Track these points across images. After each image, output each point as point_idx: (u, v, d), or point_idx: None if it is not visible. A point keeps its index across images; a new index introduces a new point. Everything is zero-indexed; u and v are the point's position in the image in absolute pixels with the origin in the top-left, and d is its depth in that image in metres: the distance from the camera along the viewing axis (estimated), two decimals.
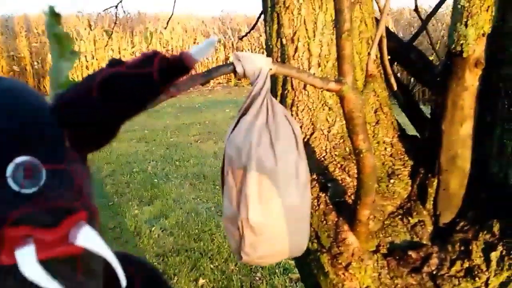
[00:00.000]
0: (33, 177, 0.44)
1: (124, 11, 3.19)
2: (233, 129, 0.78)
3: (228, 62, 0.85)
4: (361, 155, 0.90)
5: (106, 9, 3.11)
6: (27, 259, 0.41)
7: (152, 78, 0.57)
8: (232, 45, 10.36)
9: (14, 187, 0.43)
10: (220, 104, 8.05)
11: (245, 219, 0.74)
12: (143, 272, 0.73)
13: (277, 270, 2.97)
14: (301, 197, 0.76)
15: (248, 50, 10.23)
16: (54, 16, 0.70)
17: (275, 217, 0.75)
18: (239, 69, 0.75)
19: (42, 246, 0.43)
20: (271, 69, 0.76)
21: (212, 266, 3.07)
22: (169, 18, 3.11)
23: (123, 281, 0.47)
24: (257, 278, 2.93)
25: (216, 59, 10.22)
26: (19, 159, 0.44)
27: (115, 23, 2.80)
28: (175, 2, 2.85)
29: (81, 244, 0.45)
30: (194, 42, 10.38)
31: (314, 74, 0.87)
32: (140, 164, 5.12)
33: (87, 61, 9.67)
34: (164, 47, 10.13)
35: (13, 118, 0.47)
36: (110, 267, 0.48)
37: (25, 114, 0.48)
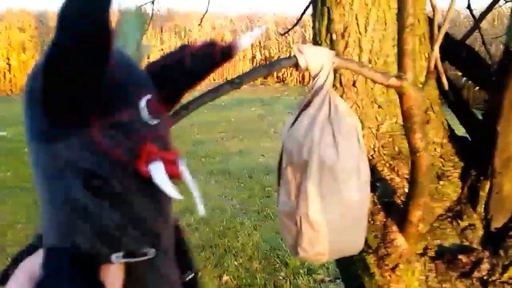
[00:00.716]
0: (157, 111, 0.54)
1: (158, 8, 3.23)
2: (293, 123, 0.77)
3: (282, 57, 0.84)
4: (418, 154, 0.88)
5: (142, 5, 3.13)
6: (159, 171, 0.51)
7: (215, 57, 0.65)
8: (260, 43, 10.35)
9: (145, 117, 0.52)
10: (246, 102, 8.06)
11: (304, 214, 0.73)
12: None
13: (301, 271, 2.96)
14: (361, 194, 0.75)
15: (276, 49, 10.21)
16: (141, 18, 0.77)
17: (335, 214, 0.74)
18: (301, 62, 0.73)
19: (165, 164, 0.52)
20: (333, 62, 0.74)
21: (236, 263, 3.08)
22: (203, 15, 3.12)
23: (201, 206, 0.55)
24: (280, 278, 2.92)
25: (243, 57, 10.23)
26: (148, 96, 0.54)
27: (151, 19, 2.82)
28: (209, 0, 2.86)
29: (182, 171, 0.54)
30: (221, 40, 10.42)
31: (375, 69, 0.85)
32: None
33: None
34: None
35: (138, 68, 0.58)
36: None
37: (142, 71, 0.59)
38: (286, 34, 9.69)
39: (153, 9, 2.97)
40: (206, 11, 2.98)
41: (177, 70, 0.65)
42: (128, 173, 0.51)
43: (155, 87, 0.60)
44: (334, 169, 0.72)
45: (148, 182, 0.52)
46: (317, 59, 0.73)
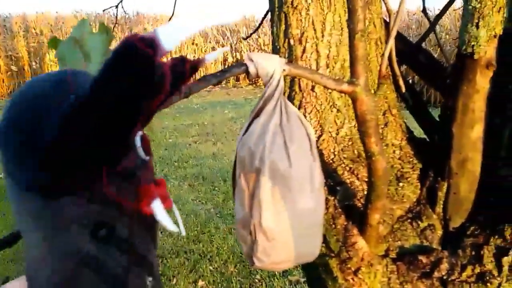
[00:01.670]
0: (149, 147, 0.56)
1: (124, 12, 3.16)
2: (246, 131, 0.76)
3: (236, 63, 0.85)
4: (373, 158, 0.89)
5: (106, 9, 3.08)
6: (159, 209, 0.54)
7: (184, 77, 0.64)
8: (231, 46, 10.33)
9: (142, 155, 0.54)
10: (219, 105, 8.03)
11: (257, 223, 0.72)
12: None
13: (276, 273, 2.95)
14: (316, 201, 0.75)
15: (247, 51, 10.21)
16: (107, 33, 0.75)
17: (289, 222, 0.73)
18: (252, 70, 0.73)
19: (161, 200, 0.55)
20: (284, 70, 0.74)
21: (211, 268, 3.05)
22: (170, 18, 3.08)
23: (182, 229, 0.59)
24: (256, 280, 2.91)
25: (215, 60, 10.18)
26: (140, 133, 0.54)
27: (115, 23, 2.77)
28: (175, 3, 2.83)
29: (172, 202, 0.59)
30: (193, 43, 10.35)
31: (327, 75, 0.85)
32: None
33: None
34: None
35: None
36: None
37: None
38: (257, 37, 9.71)
39: (117, 13, 2.93)
40: (173, 14, 2.95)
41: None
42: (132, 216, 0.53)
43: None
44: (286, 177, 0.72)
45: (146, 220, 0.55)
46: (267, 67, 0.73)
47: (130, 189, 0.53)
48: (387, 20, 1.20)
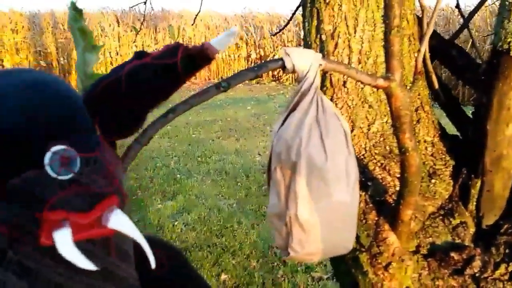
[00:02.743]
0: (69, 164, 0.47)
1: (152, 8, 3.20)
2: (281, 125, 0.77)
3: (273, 58, 0.84)
4: (407, 154, 0.89)
5: (134, 5, 3.13)
6: (63, 240, 0.45)
7: (176, 68, 0.60)
8: (255, 42, 10.34)
9: (52, 174, 0.46)
10: (242, 101, 8.06)
11: (294, 215, 0.73)
12: (169, 254, 0.76)
13: (299, 268, 2.96)
14: (350, 195, 0.75)
15: (271, 47, 10.20)
16: (76, 11, 0.73)
17: (324, 214, 0.74)
18: (288, 65, 0.74)
19: (77, 228, 0.46)
20: (321, 64, 0.75)
21: (234, 262, 3.08)
22: (196, 15, 3.12)
23: (152, 261, 0.51)
24: (279, 276, 2.93)
25: (238, 56, 10.22)
26: (55, 148, 0.47)
27: (144, 19, 2.82)
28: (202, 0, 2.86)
29: (113, 226, 0.48)
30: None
31: (362, 70, 0.86)
32: (163, 160, 5.17)
33: (111, 57, 9.81)
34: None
35: (49, 109, 0.50)
36: (140, 249, 0.51)
37: (59, 105, 0.51)
38: (281, 33, 9.69)
39: (145, 9, 2.97)
40: (199, 11, 2.97)
41: (111, 95, 0.58)
42: (32, 242, 0.45)
43: (100, 114, 0.54)
44: (322, 170, 0.73)
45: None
46: (303, 62, 0.74)
47: (23, 214, 0.45)
48: (420, 16, 1.20)
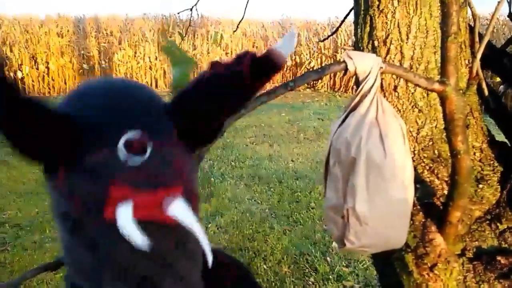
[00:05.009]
0: (139, 150, 0.51)
1: (197, 14, 3.29)
2: (340, 125, 0.82)
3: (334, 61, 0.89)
4: (459, 156, 0.92)
5: (180, 12, 3.24)
6: (124, 215, 0.47)
7: (242, 76, 0.60)
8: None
9: (122, 157, 0.50)
10: (276, 107, 8.11)
11: (351, 208, 0.78)
12: (235, 264, 0.77)
13: (330, 277, 2.97)
14: (406, 192, 0.79)
15: (307, 54, 10.23)
16: (171, 43, 0.79)
17: (381, 209, 0.78)
18: (351, 67, 0.79)
19: (139, 207, 0.48)
20: (381, 67, 0.80)
21: (265, 266, 3.11)
22: (240, 21, 3.20)
23: (209, 257, 0.52)
24: (310, 283, 2.94)
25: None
26: (130, 134, 0.51)
27: (189, 25, 2.92)
28: (246, 6, 2.94)
29: (171, 213, 0.50)
30: (253, 46, 10.51)
31: (419, 74, 0.90)
32: None
33: (151, 62, 10.09)
34: (223, 50, 10.38)
35: (128, 101, 0.55)
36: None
37: (138, 100, 0.57)
38: (317, 40, 9.72)
39: (191, 16, 3.07)
40: (243, 18, 3.05)
41: (189, 102, 0.60)
42: (99, 216, 0.48)
43: (183, 119, 0.57)
44: (381, 167, 0.77)
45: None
46: (365, 64, 0.79)
47: (93, 188, 0.49)
48: (472, 24, 1.22)
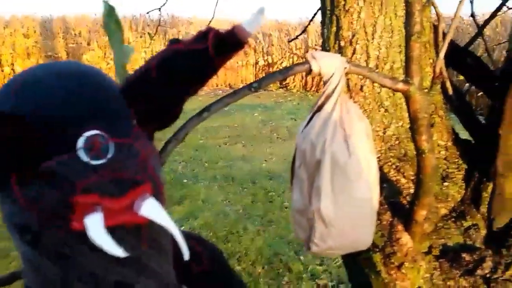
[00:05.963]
0: (102, 149, 0.47)
1: (161, 14, 3.24)
2: (306, 125, 0.81)
3: (300, 62, 0.88)
4: (424, 155, 0.92)
5: (149, 11, 3.19)
6: (94, 225, 0.44)
7: (207, 53, 0.58)
8: (263, 49, 10.42)
9: (84, 158, 0.46)
10: (249, 107, 8.11)
11: (316, 210, 0.77)
12: (207, 248, 0.76)
13: (304, 275, 2.98)
14: (371, 192, 0.79)
15: (279, 55, 10.28)
16: (110, 7, 0.76)
17: (346, 210, 0.78)
18: (315, 68, 0.78)
19: (109, 214, 0.46)
20: (345, 68, 0.79)
21: (239, 268, 3.10)
22: (210, 22, 3.17)
23: (186, 252, 0.51)
24: (283, 283, 2.95)
25: (246, 63, 10.30)
26: (89, 132, 0.47)
27: (159, 24, 2.87)
28: (216, 6, 2.92)
29: (144, 214, 0.48)
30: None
31: (384, 74, 0.90)
32: (170, 164, 5.20)
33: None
34: None
35: (85, 95, 0.51)
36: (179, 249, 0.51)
37: (95, 92, 0.52)
38: (294, 39, 9.76)
39: (160, 15, 3.03)
40: (213, 18, 3.03)
41: (144, 84, 0.57)
42: (64, 226, 0.45)
43: (135, 103, 0.54)
44: (345, 168, 0.76)
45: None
46: (329, 65, 0.78)
47: (55, 196, 0.45)
48: (435, 24, 1.24)
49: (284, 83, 9.88)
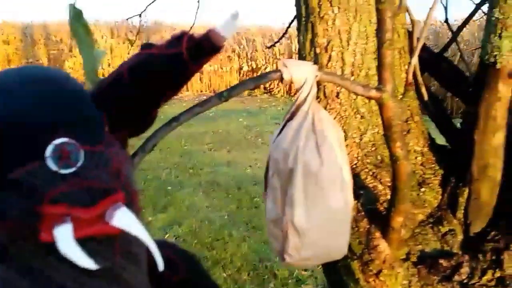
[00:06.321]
0: (71, 157, 0.46)
1: (142, 20, 3.21)
2: (279, 133, 0.80)
3: (270, 70, 0.87)
4: (398, 162, 0.92)
5: (130, 17, 3.16)
6: (64, 236, 0.43)
7: (181, 57, 0.58)
8: (247, 55, 10.44)
9: (53, 167, 0.44)
10: (234, 113, 8.09)
11: (290, 221, 0.76)
12: (184, 257, 0.74)
13: (290, 281, 2.97)
14: (345, 200, 0.78)
15: (263, 60, 10.31)
16: (76, 11, 0.75)
17: (320, 219, 0.77)
18: (286, 76, 0.77)
19: (79, 224, 0.44)
20: (317, 76, 0.78)
21: (225, 275, 3.07)
22: (191, 27, 3.15)
23: (160, 262, 0.49)
24: None
25: (230, 69, 10.30)
26: (58, 141, 0.45)
27: (138, 31, 2.85)
28: (197, 11, 2.90)
29: (116, 224, 0.46)
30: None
31: (356, 81, 0.90)
32: (154, 171, 5.16)
33: (103, 69, 9.82)
34: None
35: (53, 101, 0.49)
36: (153, 256, 0.49)
37: (64, 98, 0.50)
38: (276, 44, 9.80)
39: (140, 21, 3.00)
40: (194, 23, 3.01)
41: (116, 89, 0.56)
42: (33, 238, 0.43)
43: (107, 109, 0.52)
44: (318, 176, 0.76)
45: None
46: (301, 73, 0.77)
47: (22, 206, 0.43)
48: (410, 30, 1.24)
49: (268, 88, 9.91)
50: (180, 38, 0.59)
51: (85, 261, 0.43)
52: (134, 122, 0.60)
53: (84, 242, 0.45)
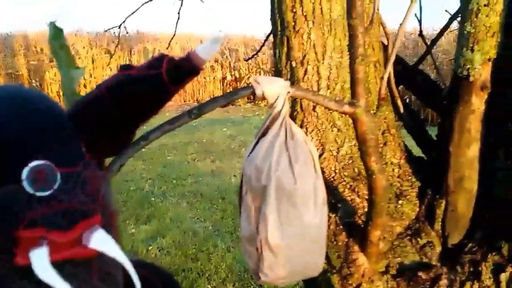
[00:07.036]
0: (47, 180, 0.45)
1: (126, 32, 3.19)
2: (252, 149, 0.79)
3: (245, 85, 0.86)
4: (374, 176, 0.92)
5: (109, 29, 3.14)
6: (40, 260, 0.42)
7: (160, 79, 0.58)
8: (230, 65, 10.46)
9: (29, 190, 0.44)
10: (218, 123, 8.08)
11: (264, 239, 0.75)
12: (161, 278, 0.73)
13: None
14: (319, 217, 0.78)
15: (246, 70, 10.33)
16: (57, 30, 0.74)
17: (294, 237, 0.76)
18: (258, 92, 0.76)
19: (55, 248, 0.44)
20: (289, 92, 0.78)
21: (209, 286, 3.05)
22: (172, 38, 3.15)
23: (137, 283, 0.48)
24: None
25: (213, 78, 10.30)
26: (34, 163, 0.45)
27: (118, 42, 2.82)
28: (177, 22, 2.89)
29: (94, 247, 0.45)
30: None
31: (329, 97, 0.90)
32: (137, 183, 5.10)
33: (85, 79, 9.72)
34: None
35: (29, 123, 0.48)
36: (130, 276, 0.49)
37: (40, 119, 0.49)
38: (256, 56, 9.83)
39: (120, 32, 2.98)
40: (175, 34, 3.00)
41: (94, 110, 0.56)
42: (8, 261, 0.43)
43: (84, 129, 0.52)
44: (291, 193, 0.75)
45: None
46: (273, 89, 0.76)
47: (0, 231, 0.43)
48: (385, 43, 1.25)
49: (252, 97, 9.92)
50: (160, 60, 0.60)
51: (61, 285, 0.43)
52: (112, 143, 0.60)
53: (61, 266, 0.44)
